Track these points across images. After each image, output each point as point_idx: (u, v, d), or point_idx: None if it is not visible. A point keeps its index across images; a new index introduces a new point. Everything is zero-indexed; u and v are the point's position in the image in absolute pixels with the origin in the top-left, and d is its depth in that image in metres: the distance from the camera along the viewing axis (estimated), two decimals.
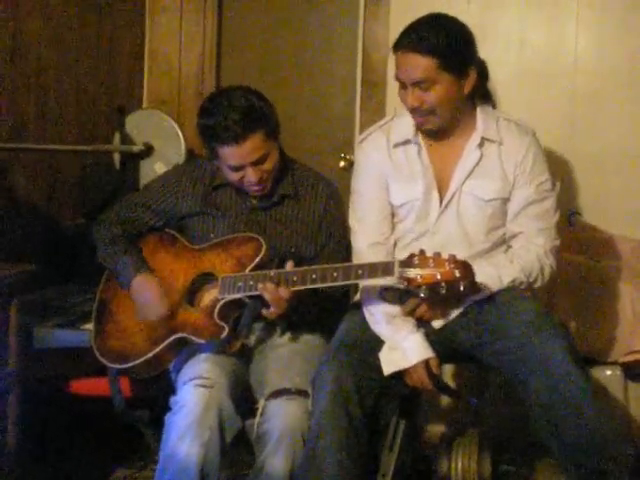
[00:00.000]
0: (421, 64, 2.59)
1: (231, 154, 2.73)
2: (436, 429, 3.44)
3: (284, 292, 2.59)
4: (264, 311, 2.65)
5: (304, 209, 2.92)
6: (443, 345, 2.72)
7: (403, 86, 2.67)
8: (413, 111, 2.69)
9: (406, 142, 2.80)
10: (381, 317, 2.69)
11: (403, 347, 2.63)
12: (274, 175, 2.85)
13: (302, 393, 2.63)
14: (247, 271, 2.70)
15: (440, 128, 2.74)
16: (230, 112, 2.70)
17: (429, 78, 2.61)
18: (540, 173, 2.77)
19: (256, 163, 2.75)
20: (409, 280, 2.43)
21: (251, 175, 2.76)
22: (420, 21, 2.68)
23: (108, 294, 2.96)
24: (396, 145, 2.81)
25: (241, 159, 2.73)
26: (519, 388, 2.55)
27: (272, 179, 2.85)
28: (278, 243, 2.86)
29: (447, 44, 2.61)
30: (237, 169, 2.77)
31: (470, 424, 3.31)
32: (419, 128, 2.76)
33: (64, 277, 3.52)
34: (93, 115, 3.93)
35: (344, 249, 2.90)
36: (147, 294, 2.81)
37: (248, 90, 2.80)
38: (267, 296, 2.60)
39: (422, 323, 2.72)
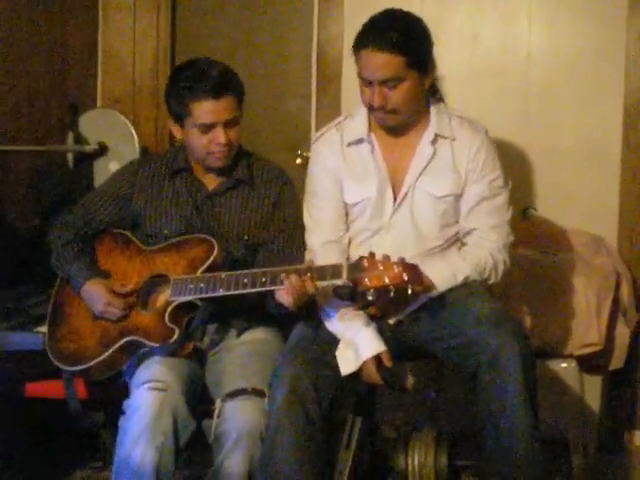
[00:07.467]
0: (390, 62, 2.60)
1: (207, 109, 2.73)
2: (393, 425, 3.45)
3: (309, 286, 2.55)
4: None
5: (258, 195, 2.91)
6: (399, 341, 2.74)
7: (367, 84, 2.67)
8: (376, 109, 2.69)
9: (359, 141, 2.81)
10: (334, 314, 2.70)
11: (355, 344, 2.63)
12: (233, 155, 2.85)
13: (259, 393, 2.63)
14: (199, 273, 2.70)
15: (399, 125, 2.76)
16: (209, 69, 2.75)
17: (397, 76, 2.62)
18: (492, 170, 2.79)
19: (227, 124, 2.77)
20: (358, 283, 2.43)
21: (220, 136, 2.76)
22: (380, 18, 2.68)
23: (62, 297, 2.94)
24: (349, 144, 2.82)
25: (216, 115, 2.74)
26: (471, 382, 2.57)
27: (233, 156, 2.85)
28: (232, 230, 2.86)
29: (412, 41, 2.63)
30: (208, 128, 2.76)
31: (427, 419, 3.33)
32: (379, 125, 2.77)
33: (18, 279, 3.50)
34: (45, 115, 3.90)
35: (299, 236, 2.89)
36: (96, 301, 2.79)
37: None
38: (291, 289, 2.54)
39: (376, 318, 2.73)
